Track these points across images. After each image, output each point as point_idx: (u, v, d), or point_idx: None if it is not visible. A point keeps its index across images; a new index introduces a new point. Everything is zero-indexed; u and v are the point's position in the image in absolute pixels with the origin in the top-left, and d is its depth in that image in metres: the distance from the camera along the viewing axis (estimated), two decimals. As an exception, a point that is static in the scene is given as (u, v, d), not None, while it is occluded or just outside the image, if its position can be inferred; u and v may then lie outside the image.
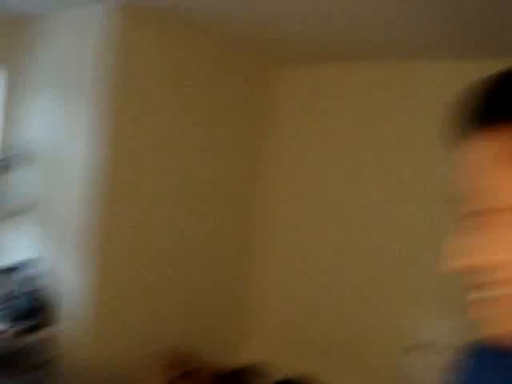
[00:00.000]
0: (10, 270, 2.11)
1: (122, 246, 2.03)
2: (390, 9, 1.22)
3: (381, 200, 2.11)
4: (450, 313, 1.65)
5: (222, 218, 2.26)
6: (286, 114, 2.24)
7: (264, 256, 2.43)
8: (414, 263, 2.03)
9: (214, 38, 1.94)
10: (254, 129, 2.29)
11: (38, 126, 2.16)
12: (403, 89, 1.93)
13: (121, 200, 1.99)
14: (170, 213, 2.11)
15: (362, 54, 1.76)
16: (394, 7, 1.21)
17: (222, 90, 2.10)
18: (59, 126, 2.07)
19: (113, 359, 2.06)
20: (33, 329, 2.05)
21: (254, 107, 2.26)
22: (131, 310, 2.11)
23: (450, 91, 1.87)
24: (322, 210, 2.26)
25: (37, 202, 2.16)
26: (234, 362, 2.42)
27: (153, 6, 1.57)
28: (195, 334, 2.29)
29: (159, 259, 2.13)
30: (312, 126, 2.17)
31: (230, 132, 2.19)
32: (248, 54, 2.10)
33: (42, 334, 2.08)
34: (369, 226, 2.12)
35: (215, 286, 2.32)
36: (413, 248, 2.04)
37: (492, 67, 0.54)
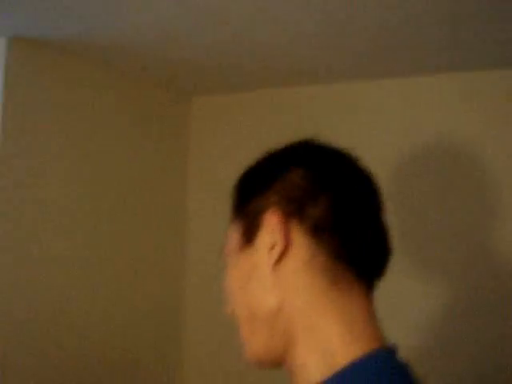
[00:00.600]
0: None
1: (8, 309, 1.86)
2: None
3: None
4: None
5: (148, 262, 2.13)
6: (205, 144, 2.19)
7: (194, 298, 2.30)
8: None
9: (119, 73, 1.84)
10: (172, 162, 2.20)
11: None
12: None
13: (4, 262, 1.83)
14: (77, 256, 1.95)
15: (275, 81, 1.78)
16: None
17: (133, 128, 2.00)
18: None
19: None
20: None
21: (170, 142, 2.17)
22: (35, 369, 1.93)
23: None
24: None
25: None
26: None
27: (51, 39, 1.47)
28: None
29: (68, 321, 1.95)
30: (234, 154, 2.12)
31: (147, 168, 2.07)
32: (159, 87, 2.03)
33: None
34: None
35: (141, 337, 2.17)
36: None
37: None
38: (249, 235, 0.60)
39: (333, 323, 0.56)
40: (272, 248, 0.57)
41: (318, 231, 0.57)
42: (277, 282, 0.58)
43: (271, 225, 0.57)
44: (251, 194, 0.62)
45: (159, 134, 2.14)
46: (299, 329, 0.57)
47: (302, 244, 0.57)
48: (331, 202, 0.57)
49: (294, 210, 0.57)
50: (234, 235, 0.63)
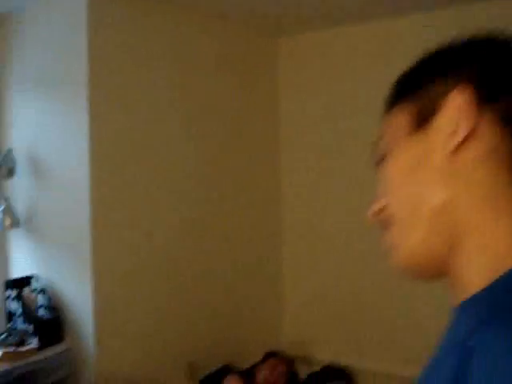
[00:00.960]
0: (9, 287, 1.99)
1: (123, 255, 1.89)
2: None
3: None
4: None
5: (244, 196, 2.16)
6: (294, 81, 2.23)
7: (292, 229, 2.38)
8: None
9: (206, 14, 1.79)
10: (263, 100, 2.20)
11: (25, 130, 2.03)
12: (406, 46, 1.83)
13: (119, 204, 1.84)
14: (179, 206, 1.96)
15: (362, 15, 1.76)
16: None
17: (226, 70, 1.98)
18: (46, 129, 1.94)
19: (121, 372, 1.94)
20: (39, 348, 1.93)
21: (260, 80, 2.17)
22: (139, 318, 1.98)
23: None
24: (341, 176, 2.22)
25: (32, 214, 2.03)
26: (273, 344, 2.36)
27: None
28: (224, 323, 2.18)
29: (170, 258, 1.98)
30: (322, 90, 2.15)
31: (239, 107, 2.07)
32: (247, 27, 1.99)
33: (49, 352, 1.95)
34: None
35: (244, 270, 2.21)
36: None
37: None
38: (423, 118, 0.52)
39: (507, 224, 0.48)
40: (453, 132, 0.50)
41: (507, 121, 0.49)
42: (450, 173, 0.51)
43: (456, 106, 0.50)
44: (429, 76, 0.54)
45: (249, 74, 2.13)
46: (467, 228, 0.50)
47: (487, 132, 0.49)
48: None
49: (482, 95, 0.50)
50: (400, 121, 0.55)
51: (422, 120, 0.52)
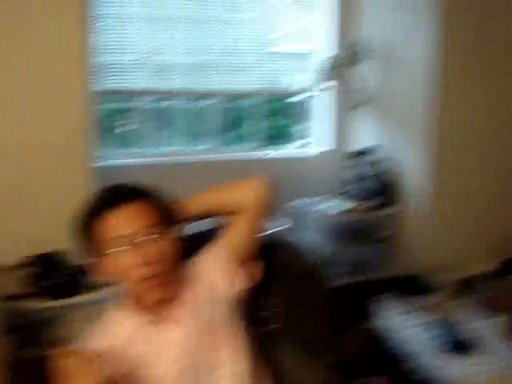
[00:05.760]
0: (359, 154, 2.38)
1: (459, 132, 2.13)
2: None
3: None
4: None
5: None
6: None
7: None
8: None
9: None
10: None
11: (375, 25, 2.33)
12: None
13: (455, 92, 2.08)
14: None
15: None
16: None
17: None
18: (395, 25, 2.25)
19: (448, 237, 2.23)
20: (378, 207, 2.31)
21: None
22: (471, 194, 2.22)
23: None
24: None
25: (377, 94, 2.36)
26: None
27: None
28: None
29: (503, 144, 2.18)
30: None
31: None
32: None
33: (385, 211, 2.32)
34: None
35: None
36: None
37: None
38: None
39: None
40: None
41: None
42: None
43: None
44: None
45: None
46: None
47: None
48: None
49: None
50: None
51: None
